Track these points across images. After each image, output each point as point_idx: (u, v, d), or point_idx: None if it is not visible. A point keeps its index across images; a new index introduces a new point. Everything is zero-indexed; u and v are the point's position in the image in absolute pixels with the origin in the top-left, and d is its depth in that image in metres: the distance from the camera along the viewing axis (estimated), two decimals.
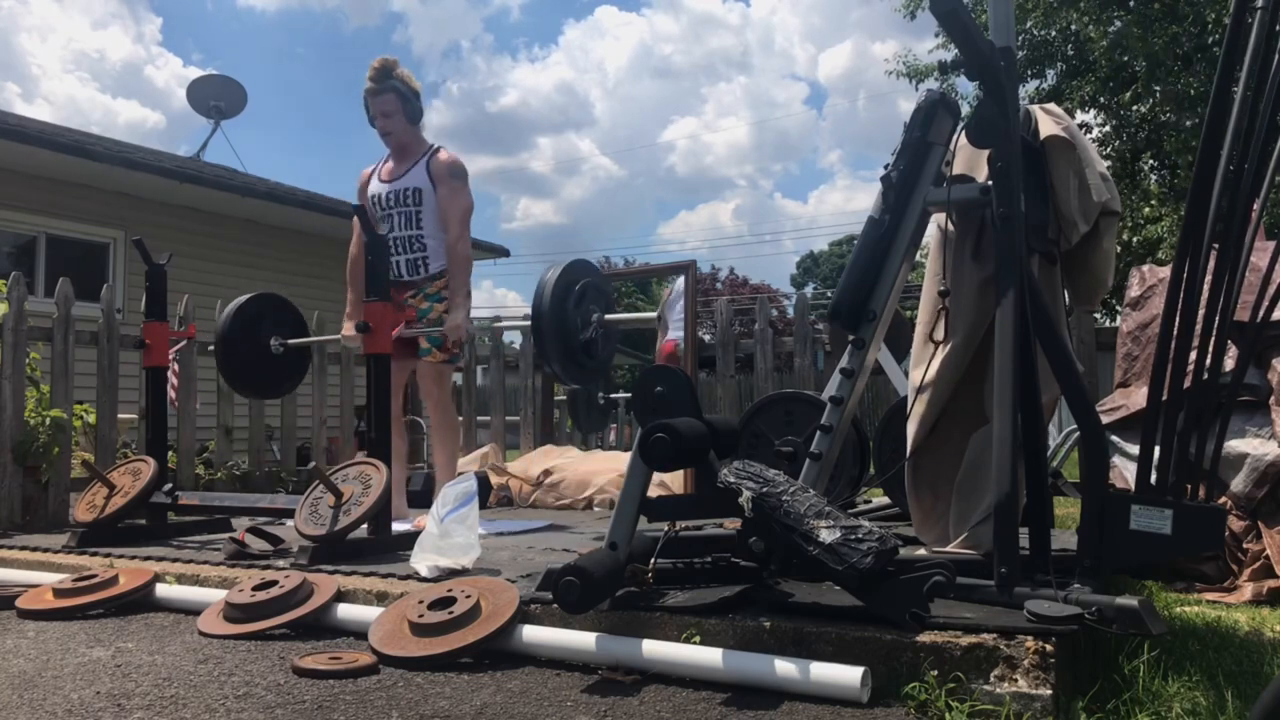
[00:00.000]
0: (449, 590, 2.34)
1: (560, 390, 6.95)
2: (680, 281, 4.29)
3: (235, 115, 12.60)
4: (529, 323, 3.48)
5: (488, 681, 2.03)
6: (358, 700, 1.91)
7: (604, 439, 10.01)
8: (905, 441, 2.71)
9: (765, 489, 2.04)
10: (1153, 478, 2.13)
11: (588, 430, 7.75)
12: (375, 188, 4.19)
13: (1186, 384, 2.10)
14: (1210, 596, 3.20)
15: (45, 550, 3.49)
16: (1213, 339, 2.08)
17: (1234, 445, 3.22)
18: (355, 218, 4.15)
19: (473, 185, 4.27)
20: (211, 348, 4.26)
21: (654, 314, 4.13)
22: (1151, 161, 15.34)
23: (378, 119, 4.08)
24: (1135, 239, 13.72)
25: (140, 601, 2.83)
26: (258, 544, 3.35)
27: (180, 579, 2.93)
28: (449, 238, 4.06)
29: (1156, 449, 2.13)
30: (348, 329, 4.16)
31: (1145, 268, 3.87)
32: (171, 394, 4.86)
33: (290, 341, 4.24)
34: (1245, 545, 3.23)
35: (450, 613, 2.23)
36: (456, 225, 4.06)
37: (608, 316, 3.47)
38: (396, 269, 4.08)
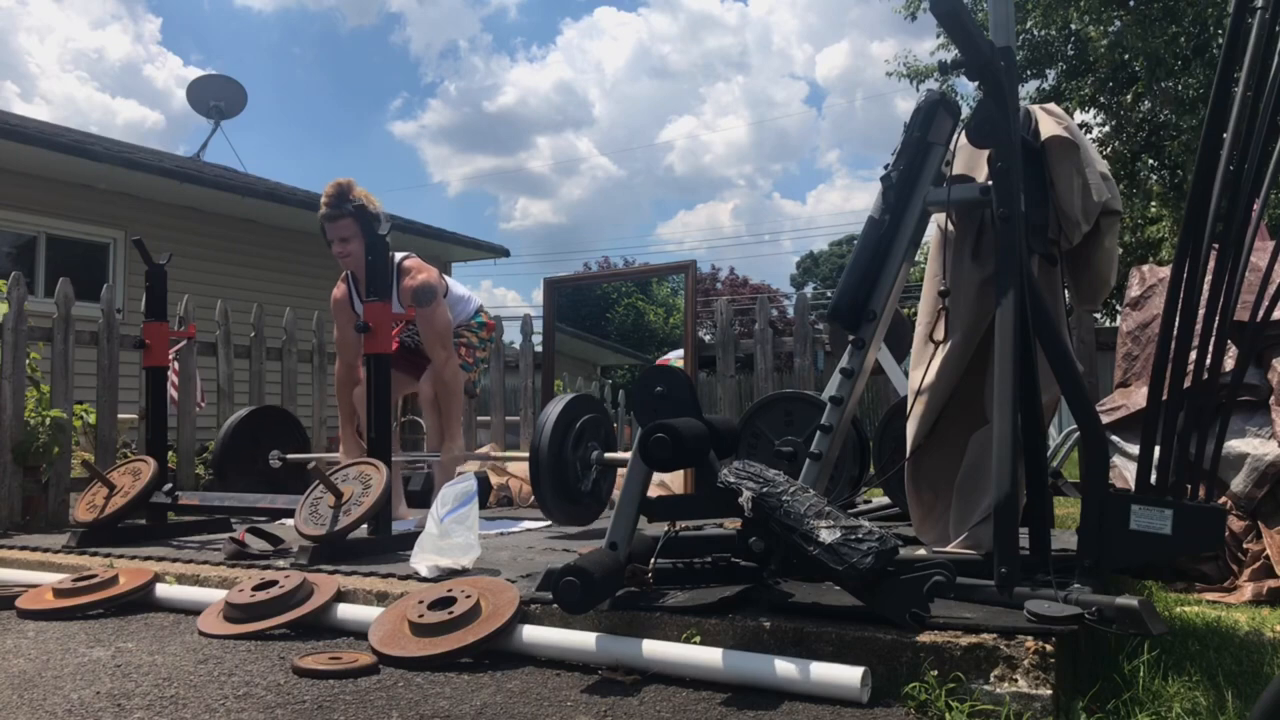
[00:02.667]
0: (449, 590, 2.34)
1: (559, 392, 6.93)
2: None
3: (235, 115, 12.61)
4: (527, 457, 3.52)
5: (488, 681, 2.03)
6: (358, 700, 1.91)
7: None
8: (905, 441, 2.71)
9: (765, 489, 2.04)
10: (1153, 478, 2.13)
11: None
12: (359, 310, 3.87)
13: (1186, 384, 2.10)
14: (1210, 596, 3.20)
15: (45, 550, 3.49)
16: (1213, 339, 2.09)
17: (1234, 445, 3.22)
18: (336, 342, 4.13)
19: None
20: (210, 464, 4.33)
21: None
22: (1151, 162, 15.34)
23: (334, 244, 3.83)
24: (1135, 239, 13.73)
25: (140, 601, 2.83)
26: (258, 544, 3.35)
27: (180, 579, 2.93)
28: (434, 365, 3.98)
29: (1156, 449, 2.13)
30: (343, 455, 4.09)
31: (1145, 268, 3.87)
32: (172, 393, 4.87)
33: (289, 457, 4.26)
34: (1245, 545, 3.23)
35: (450, 613, 2.23)
36: (439, 350, 3.94)
37: (607, 456, 3.49)
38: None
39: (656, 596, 2.24)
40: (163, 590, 2.87)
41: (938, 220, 2.60)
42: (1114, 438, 3.45)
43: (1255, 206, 2.11)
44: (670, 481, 4.42)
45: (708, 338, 6.82)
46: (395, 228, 4.12)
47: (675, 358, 4.76)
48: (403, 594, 2.47)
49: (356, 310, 3.91)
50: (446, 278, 4.32)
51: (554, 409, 3.37)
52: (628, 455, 3.74)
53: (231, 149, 29.02)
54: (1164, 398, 2.11)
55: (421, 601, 2.31)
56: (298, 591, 2.55)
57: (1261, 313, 2.20)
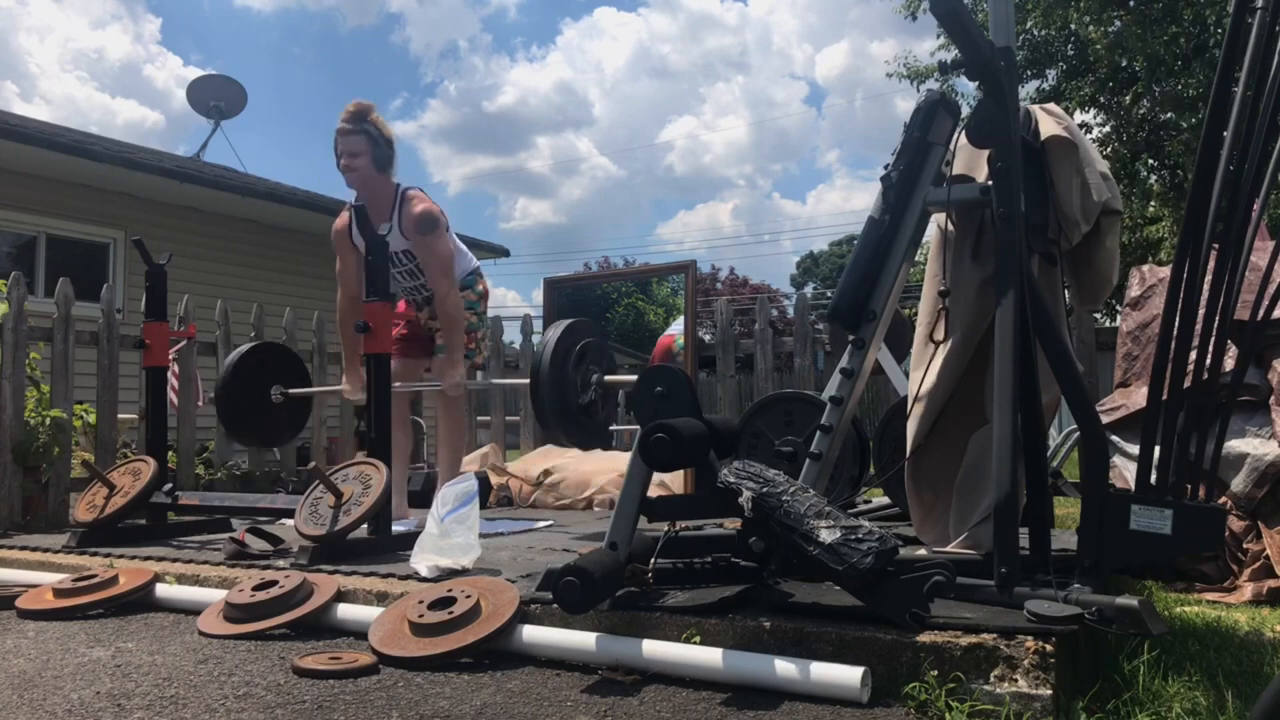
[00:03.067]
0: (449, 590, 2.34)
1: None
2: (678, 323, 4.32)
3: (235, 115, 12.60)
4: (527, 381, 3.50)
5: (488, 681, 2.03)
6: (358, 700, 1.91)
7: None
8: (905, 441, 2.71)
9: (765, 489, 2.04)
10: (1153, 478, 2.13)
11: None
12: (359, 241, 4.00)
13: (1186, 384, 2.10)
14: (1210, 596, 3.20)
15: (45, 550, 3.49)
16: (1213, 339, 2.08)
17: (1234, 445, 3.22)
18: (338, 273, 4.15)
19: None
20: (212, 396, 4.27)
21: None
22: (1151, 161, 15.34)
23: (343, 158, 3.95)
24: (1135, 239, 13.73)
25: (140, 601, 2.83)
26: (258, 544, 3.35)
27: (180, 579, 2.93)
28: (437, 294, 4.01)
29: (1156, 449, 2.13)
30: (346, 386, 4.14)
31: (1145, 268, 3.87)
32: (172, 394, 4.87)
33: (291, 392, 4.24)
34: (1245, 545, 3.23)
35: (450, 613, 2.23)
36: (441, 280, 3.98)
37: (607, 379, 3.49)
38: (418, 315, 4.19)
39: (656, 596, 2.24)
40: (163, 590, 2.87)
41: (938, 220, 2.60)
42: (1114, 438, 3.45)
43: (1255, 206, 2.11)
44: (670, 481, 4.42)
45: (708, 338, 6.82)
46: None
47: (677, 332, 4.76)
48: (403, 594, 2.47)
49: (356, 243, 4.01)
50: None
51: (555, 331, 3.37)
52: (628, 378, 3.79)
53: (231, 149, 29.00)
54: (1164, 398, 2.11)
55: (421, 601, 2.31)
56: (298, 591, 2.55)
57: (1262, 312, 2.20)
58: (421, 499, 4.51)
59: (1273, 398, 3.26)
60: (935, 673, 1.81)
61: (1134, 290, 3.78)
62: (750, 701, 1.85)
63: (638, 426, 2.30)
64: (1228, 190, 2.07)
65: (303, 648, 2.33)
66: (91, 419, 5.01)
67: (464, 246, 4.36)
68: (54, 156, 8.15)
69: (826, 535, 1.94)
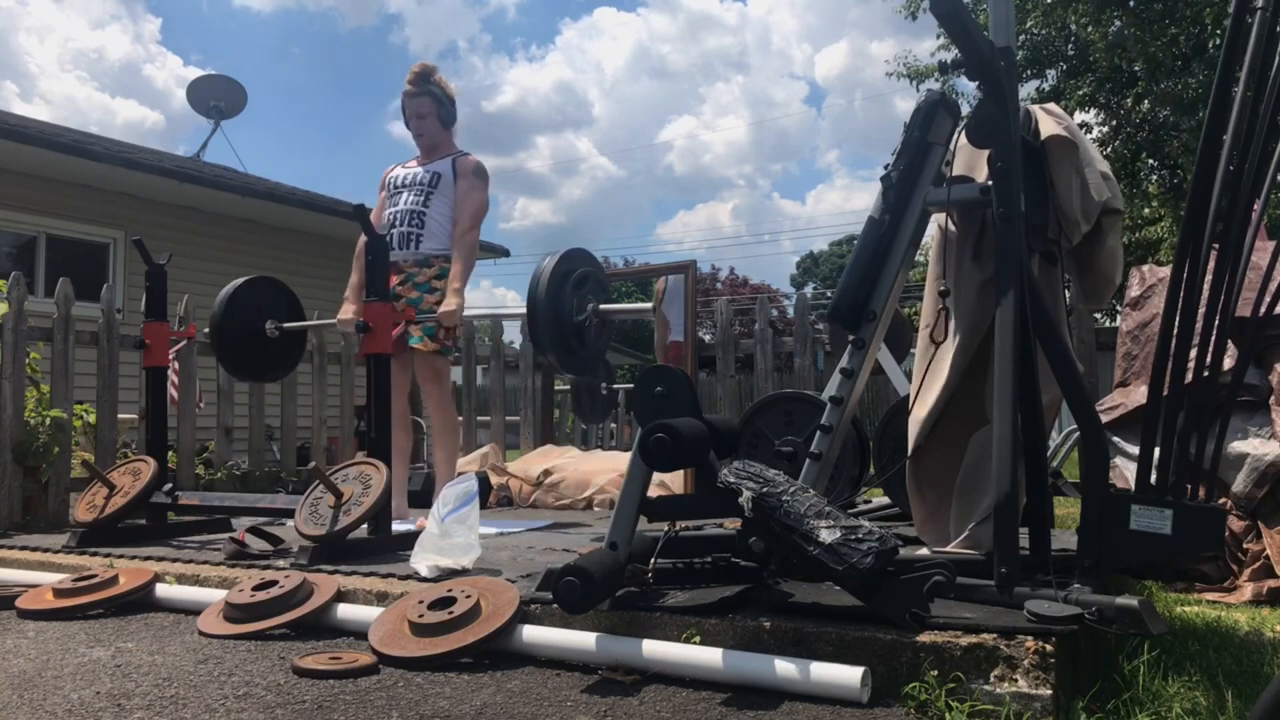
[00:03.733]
0: (449, 590, 2.34)
1: (561, 380, 6.93)
2: (674, 278, 4.27)
3: (235, 115, 12.60)
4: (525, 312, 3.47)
5: (488, 681, 2.03)
6: (358, 700, 1.91)
7: (603, 439, 10.01)
8: (905, 441, 2.71)
9: (765, 489, 2.04)
10: (1153, 477, 2.13)
11: (591, 421, 7.70)
12: (396, 172, 4.32)
13: (1187, 383, 2.10)
14: (1210, 596, 3.20)
15: (45, 550, 3.49)
16: (1213, 339, 2.08)
17: (1234, 445, 3.22)
18: (374, 212, 4.19)
19: None
20: (208, 330, 4.23)
21: (649, 305, 4.11)
22: (1151, 161, 15.34)
23: (412, 120, 4.25)
24: (1135, 239, 13.73)
25: (140, 601, 2.83)
26: (258, 544, 3.35)
27: (180, 579, 2.93)
28: (459, 227, 4.14)
29: (1157, 449, 2.13)
30: (345, 311, 4.15)
31: (1145, 268, 3.87)
32: (172, 393, 4.86)
33: (285, 325, 4.22)
34: (1245, 545, 3.23)
35: (450, 613, 2.23)
36: (469, 217, 4.15)
37: (603, 306, 3.47)
38: (390, 241, 4.09)
39: (656, 596, 2.24)
40: (163, 590, 2.87)
41: (938, 221, 2.60)
42: (1114, 438, 3.45)
43: (1255, 206, 2.11)
44: (670, 481, 4.42)
45: (708, 338, 6.82)
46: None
47: (680, 339, 4.71)
48: (403, 594, 2.47)
49: (390, 175, 4.30)
50: None
51: (551, 260, 3.36)
52: (625, 306, 3.78)
53: (231, 149, 29.04)
54: (1164, 397, 2.11)
55: (421, 601, 2.31)
56: (298, 591, 2.55)
57: (1264, 309, 2.20)
58: (421, 499, 4.51)
59: (1273, 398, 3.25)
60: (935, 673, 1.81)
61: (1134, 290, 3.78)
62: (750, 701, 1.85)
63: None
64: (1228, 190, 2.07)
65: (303, 648, 2.33)
66: (91, 419, 5.01)
67: None
68: (54, 156, 8.15)
69: (826, 535, 1.94)
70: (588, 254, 3.58)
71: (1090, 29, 13.89)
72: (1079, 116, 14.46)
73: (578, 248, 3.54)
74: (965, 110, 2.57)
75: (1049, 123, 2.54)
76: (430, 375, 4.13)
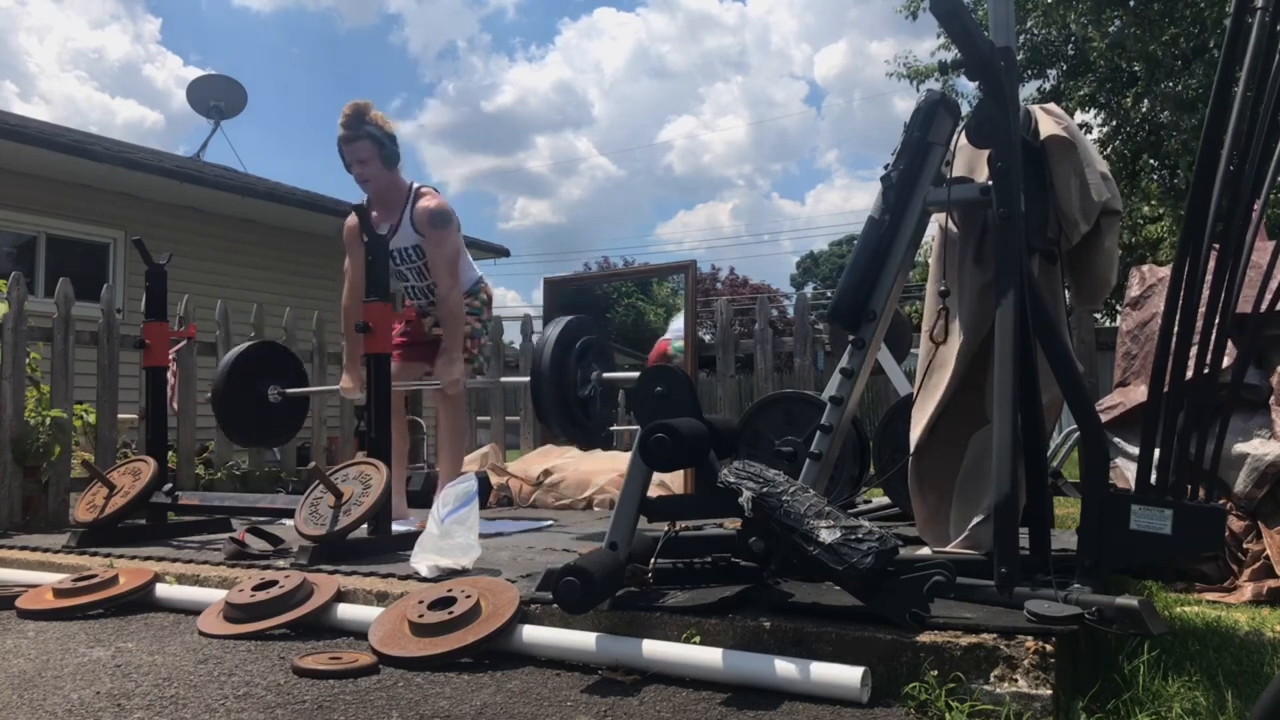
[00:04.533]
0: (449, 590, 2.34)
1: None
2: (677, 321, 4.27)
3: (235, 115, 12.60)
4: (529, 378, 3.48)
5: (488, 681, 2.03)
6: (358, 700, 1.91)
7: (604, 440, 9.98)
8: (906, 441, 2.71)
9: (765, 489, 2.04)
10: (1153, 477, 2.13)
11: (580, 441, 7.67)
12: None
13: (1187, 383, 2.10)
14: (1210, 596, 3.20)
15: (45, 550, 3.49)
16: (1213, 338, 2.08)
17: (1234, 445, 3.22)
18: (345, 269, 4.15)
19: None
20: (209, 395, 4.25)
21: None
22: (1151, 162, 15.34)
23: (354, 166, 3.95)
24: (1135, 239, 13.73)
25: (140, 601, 2.83)
26: (258, 544, 3.35)
27: (180, 579, 2.93)
28: (439, 290, 4.00)
29: (1157, 449, 2.13)
30: (346, 382, 4.13)
31: (1145, 267, 3.87)
32: (171, 398, 4.86)
33: (289, 391, 4.23)
34: (1245, 545, 3.23)
35: (450, 613, 2.23)
36: (445, 276, 3.98)
37: (606, 375, 3.48)
38: (422, 320, 4.19)
39: (656, 596, 2.24)
40: (163, 590, 2.87)
41: (939, 222, 2.61)
42: (1114, 438, 3.45)
43: (1255, 206, 2.11)
44: (670, 481, 4.42)
45: (708, 338, 6.82)
46: None
47: (676, 336, 4.73)
48: (403, 594, 2.47)
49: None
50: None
51: (555, 329, 3.36)
52: (628, 375, 3.79)
53: (231, 149, 29.02)
54: (1164, 396, 2.11)
55: (421, 601, 2.31)
56: (298, 591, 2.55)
57: (1265, 306, 2.19)
58: (421, 499, 4.51)
59: (1273, 398, 3.26)
60: (935, 673, 1.81)
61: (1134, 290, 3.78)
62: (750, 701, 1.85)
63: (638, 426, 2.30)
64: (1228, 190, 2.07)
65: (303, 648, 2.33)
66: (91, 419, 5.01)
67: (469, 258, 4.36)
68: (54, 156, 8.15)
69: (826, 535, 1.94)
70: (589, 321, 3.57)
71: (1090, 29, 13.90)
72: (1079, 116, 14.46)
73: (579, 316, 3.54)
74: (965, 110, 2.57)
75: (1049, 123, 2.54)
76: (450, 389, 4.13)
